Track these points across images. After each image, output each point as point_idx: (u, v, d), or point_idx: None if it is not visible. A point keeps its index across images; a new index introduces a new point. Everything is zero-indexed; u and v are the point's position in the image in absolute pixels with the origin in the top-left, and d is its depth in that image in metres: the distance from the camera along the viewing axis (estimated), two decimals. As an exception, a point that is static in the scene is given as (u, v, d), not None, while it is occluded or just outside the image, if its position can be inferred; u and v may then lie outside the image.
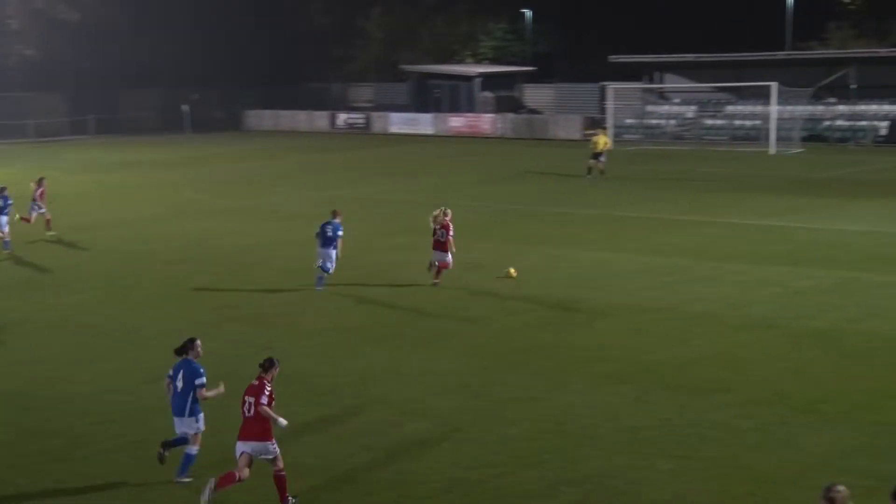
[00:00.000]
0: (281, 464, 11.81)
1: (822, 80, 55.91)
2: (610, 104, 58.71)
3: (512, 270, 23.75)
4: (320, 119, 74.60)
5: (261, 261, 26.31)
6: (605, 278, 23.37)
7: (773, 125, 52.00)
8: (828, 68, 57.56)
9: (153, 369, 16.47)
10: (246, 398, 11.73)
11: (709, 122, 60.08)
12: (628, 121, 62.22)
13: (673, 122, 61.13)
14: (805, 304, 20.58)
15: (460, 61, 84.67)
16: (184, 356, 12.55)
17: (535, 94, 73.43)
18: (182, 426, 12.53)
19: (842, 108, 56.61)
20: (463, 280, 23.51)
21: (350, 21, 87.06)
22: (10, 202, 29.13)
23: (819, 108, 57.63)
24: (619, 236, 28.89)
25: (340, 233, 22.62)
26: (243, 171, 48.80)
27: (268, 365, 11.90)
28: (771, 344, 18.02)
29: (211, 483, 11.81)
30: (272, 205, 36.71)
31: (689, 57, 61.96)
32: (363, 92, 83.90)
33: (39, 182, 31.24)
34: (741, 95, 61.25)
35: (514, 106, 71.67)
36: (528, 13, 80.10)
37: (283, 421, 11.65)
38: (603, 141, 42.55)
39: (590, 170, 41.80)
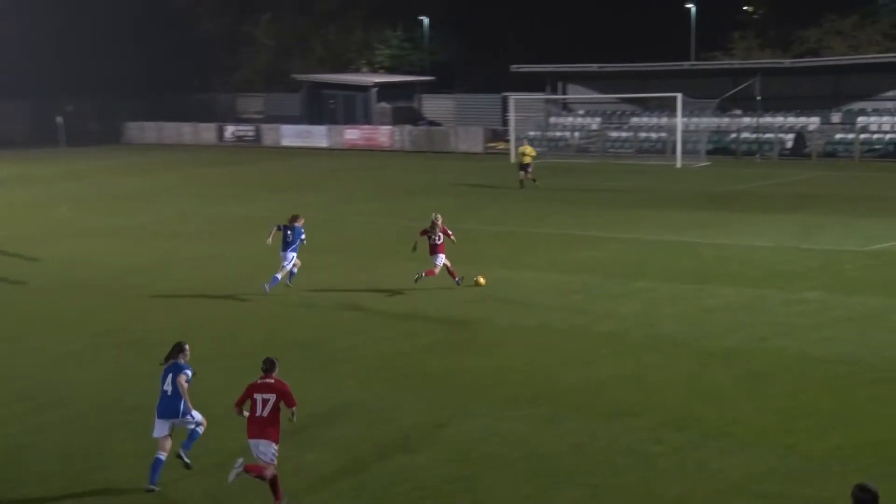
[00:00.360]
0: (273, 468, 12.56)
1: (728, 92, 57.23)
2: (512, 116, 59.26)
3: (481, 279, 24.72)
4: (207, 131, 73.73)
5: (143, 283, 25.82)
6: (508, 297, 23.49)
7: (679, 138, 53.08)
8: (733, 79, 58.96)
9: (22, 400, 15.96)
10: (258, 395, 12.55)
11: (614, 134, 61.06)
12: (531, 133, 62.79)
13: (577, 134, 61.97)
14: (714, 323, 20.99)
15: (356, 70, 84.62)
16: (171, 361, 13.35)
17: (434, 106, 73.78)
18: (176, 426, 13.25)
19: (747, 120, 58.08)
20: (359, 301, 23.40)
21: (237, 28, 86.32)
22: None
23: (725, 121, 59.03)
24: (522, 253, 29.11)
25: (303, 237, 24.25)
26: (123, 186, 47.91)
27: (271, 366, 12.78)
28: (681, 364, 18.31)
29: (240, 463, 12.53)
30: (154, 223, 36.09)
31: (593, 67, 62.95)
32: (253, 103, 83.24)
33: None
34: (646, 107, 62.42)
35: (413, 118, 71.86)
36: (425, 20, 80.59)
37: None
38: (530, 151, 44.64)
39: (522, 183, 43.85)
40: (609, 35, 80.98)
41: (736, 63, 64.10)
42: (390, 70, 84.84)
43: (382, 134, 67.08)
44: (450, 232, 24.81)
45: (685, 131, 55.22)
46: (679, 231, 32.33)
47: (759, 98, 54.58)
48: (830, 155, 54.13)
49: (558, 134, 62.65)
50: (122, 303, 23.79)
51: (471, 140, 63.61)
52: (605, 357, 18.79)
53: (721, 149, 57.05)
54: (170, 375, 13.28)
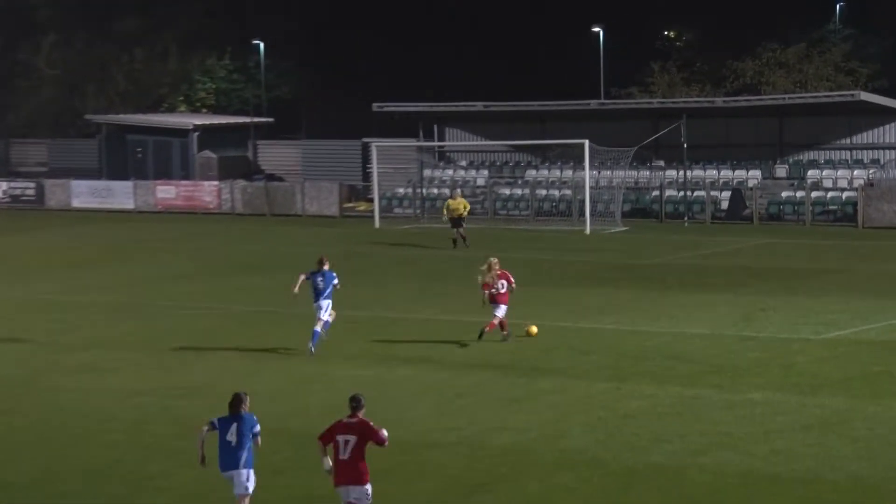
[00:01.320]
0: None
1: (647, 138, 58.07)
2: (375, 168, 59.60)
3: (533, 329, 29.23)
4: (-30, 189, 72.34)
5: None
6: (374, 403, 23.45)
7: (587, 196, 53.96)
8: (653, 122, 60.33)
9: None
10: (339, 437, 15.37)
11: (505, 191, 61.88)
12: (400, 190, 63.30)
13: (459, 191, 62.39)
14: (637, 432, 21.27)
15: (170, 110, 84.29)
16: (235, 412, 16.47)
17: (274, 155, 73.81)
18: (235, 479, 16.35)
19: (672, 173, 59.44)
20: (173, 410, 23.15)
21: (10, 54, 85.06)
22: None
23: (644, 174, 60.34)
24: (392, 346, 29.21)
25: (336, 282, 27.95)
26: None
27: (357, 403, 15.69)
28: (597, 486, 18.50)
29: None
30: None
31: (478, 106, 63.69)
32: (33, 152, 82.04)
33: None
34: (546, 157, 63.46)
35: (247, 170, 71.70)
36: (260, 46, 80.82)
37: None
38: (463, 205, 47.69)
39: (455, 242, 46.62)
40: (497, 66, 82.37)
41: (656, 102, 65.61)
42: (216, 109, 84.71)
43: (206, 192, 66.72)
44: (511, 279, 28.77)
45: (595, 188, 56.25)
46: (590, 315, 32.78)
47: (685, 146, 55.87)
48: (775, 218, 55.60)
49: (435, 191, 63.24)
50: None
51: (323, 199, 63.68)
52: (503, 479, 18.86)
53: (640, 210, 58.19)
54: (234, 425, 16.37)
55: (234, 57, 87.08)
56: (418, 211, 61.05)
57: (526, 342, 29.06)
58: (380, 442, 15.36)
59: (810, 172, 57.39)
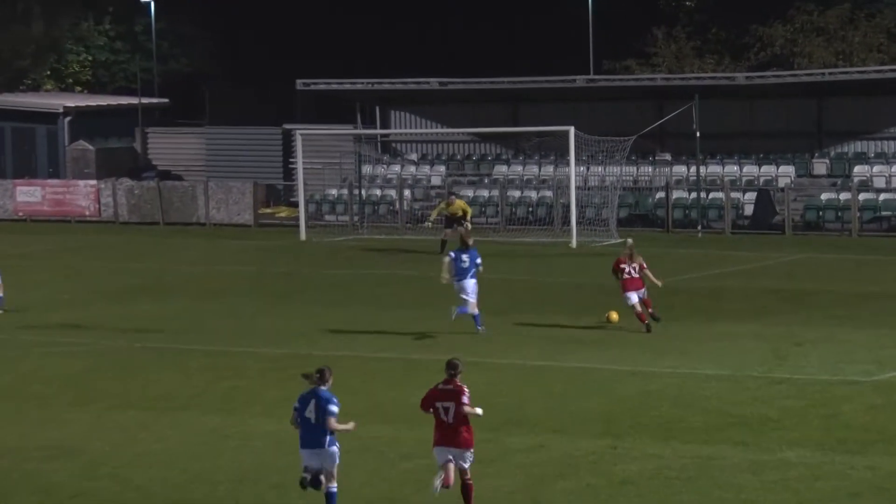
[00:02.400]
0: (469, 472, 20.10)
1: (649, 125, 57.90)
2: (300, 163, 59.32)
3: (614, 315, 34.85)
4: None
5: None
6: (296, 470, 23.29)
7: (572, 199, 53.83)
8: (656, 104, 60.37)
9: None
10: (438, 404, 20.05)
11: (468, 193, 61.55)
12: (333, 191, 63.09)
13: (408, 193, 62.32)
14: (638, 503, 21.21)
15: (34, 88, 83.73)
16: (314, 386, 20.09)
17: (169, 146, 73.42)
18: (318, 459, 20.17)
19: (681, 170, 59.44)
20: (36, 478, 22.98)
21: None
22: None
23: (646, 171, 60.33)
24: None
25: (479, 261, 34.78)
26: None
27: (455, 369, 20.19)
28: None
29: (441, 476, 20.05)
30: None
31: (432, 84, 63.65)
32: None
33: None
34: (520, 148, 63.32)
35: (133, 166, 71.28)
36: (150, 5, 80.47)
37: (479, 411, 20.22)
38: (462, 208, 50.09)
39: (444, 244, 47.69)
40: (457, 32, 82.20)
41: (660, 78, 65.64)
42: (94, 87, 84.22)
43: (81, 194, 66.32)
44: (646, 268, 34.53)
45: (583, 188, 56.23)
46: (576, 351, 32.71)
47: (698, 134, 55.82)
48: (813, 227, 55.84)
49: (378, 192, 63.05)
50: None
51: (232, 204, 63.45)
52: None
53: (641, 217, 58.22)
54: (312, 402, 20.04)
55: (116, 20, 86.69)
56: (356, 218, 60.84)
57: (494, 387, 28.95)
58: (464, 414, 19.95)
59: (857, 169, 57.60)
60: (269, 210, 65.16)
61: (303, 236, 56.34)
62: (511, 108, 63.72)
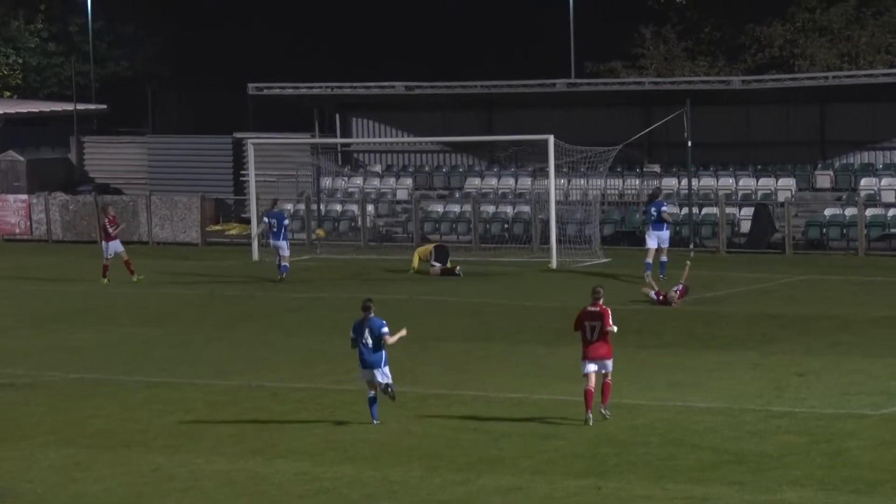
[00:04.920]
0: (610, 376, 28.37)
1: (636, 133, 57.74)
2: (252, 175, 59.22)
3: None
4: None
5: None
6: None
7: (552, 214, 53.81)
8: (644, 110, 60.45)
9: None
10: (587, 323, 28.10)
11: (437, 208, 61.77)
12: (289, 206, 62.99)
13: (372, 208, 62.35)
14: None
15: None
16: (364, 314, 28.07)
17: (108, 157, 73.26)
18: (382, 377, 28.07)
19: (671, 181, 59.48)
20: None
21: None
22: None
23: (633, 184, 60.37)
24: (274, 427, 29.16)
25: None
26: None
27: (598, 295, 28.49)
28: None
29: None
30: None
31: (398, 88, 63.69)
32: None
33: None
34: (494, 158, 63.34)
35: (68, 179, 71.10)
36: (86, 2, 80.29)
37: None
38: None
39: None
40: (426, 33, 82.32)
41: (648, 82, 65.73)
42: (24, 93, 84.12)
43: (10, 209, 66.26)
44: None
45: (563, 203, 56.28)
46: (555, 383, 32.67)
47: (689, 144, 55.88)
48: (816, 245, 56.00)
49: (338, 207, 63.02)
50: None
51: (178, 220, 63.40)
52: None
53: (627, 234, 58.26)
54: (367, 329, 27.96)
55: (49, 18, 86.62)
56: (303, 240, 60.68)
57: (465, 422, 28.97)
58: (607, 332, 28.05)
59: (864, 182, 57.75)
60: (218, 227, 65.04)
61: (255, 256, 56.15)
62: (485, 114, 63.78)
